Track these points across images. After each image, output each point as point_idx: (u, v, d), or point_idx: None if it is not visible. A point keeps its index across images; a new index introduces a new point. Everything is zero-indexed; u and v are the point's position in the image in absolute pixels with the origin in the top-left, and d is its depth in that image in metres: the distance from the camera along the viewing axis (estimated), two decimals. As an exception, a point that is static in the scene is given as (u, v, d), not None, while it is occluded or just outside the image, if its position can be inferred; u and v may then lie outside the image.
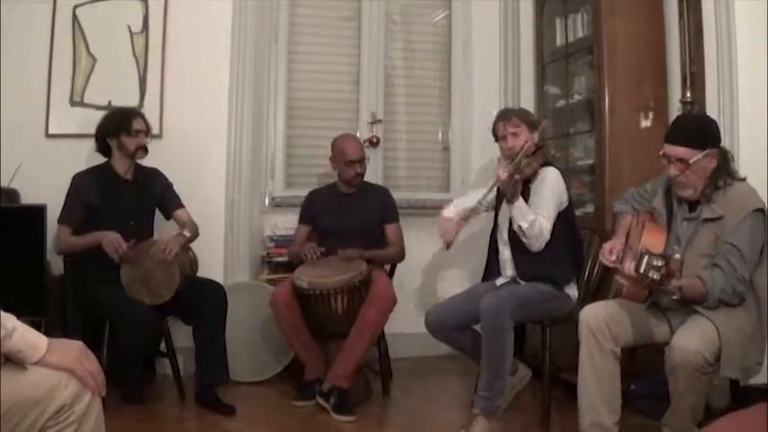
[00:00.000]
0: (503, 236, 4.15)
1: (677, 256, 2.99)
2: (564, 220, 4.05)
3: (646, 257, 2.93)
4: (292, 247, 4.87)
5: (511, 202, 3.91)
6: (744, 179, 3.33)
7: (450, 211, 4.28)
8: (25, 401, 1.89)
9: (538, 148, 4.06)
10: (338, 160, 4.84)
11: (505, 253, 4.15)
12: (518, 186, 3.88)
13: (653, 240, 3.26)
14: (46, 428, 1.92)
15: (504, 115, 4.26)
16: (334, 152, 4.89)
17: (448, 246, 4.20)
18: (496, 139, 4.27)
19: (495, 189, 4.09)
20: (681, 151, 3.25)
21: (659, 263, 2.89)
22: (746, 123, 4.11)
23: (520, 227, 3.91)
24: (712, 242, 3.23)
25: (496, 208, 4.26)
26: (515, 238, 4.00)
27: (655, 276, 2.90)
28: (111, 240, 4.06)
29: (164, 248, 4.12)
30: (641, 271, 2.93)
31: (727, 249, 3.15)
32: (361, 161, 4.84)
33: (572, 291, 4.08)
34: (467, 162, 5.93)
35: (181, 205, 4.55)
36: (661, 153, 3.32)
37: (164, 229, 4.50)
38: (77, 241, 4.22)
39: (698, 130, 3.33)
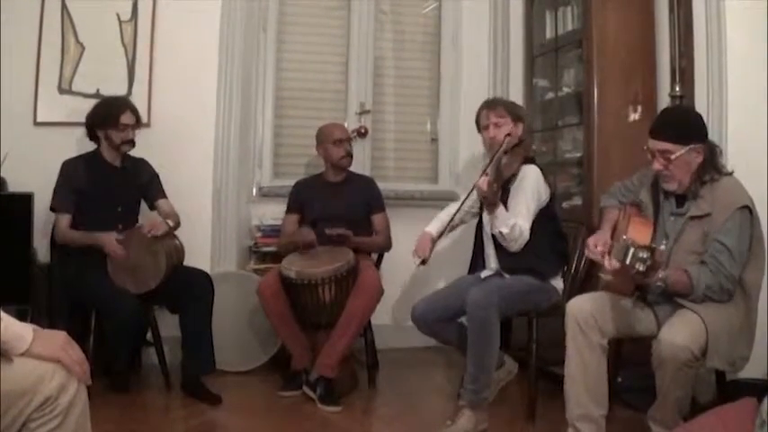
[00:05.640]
0: (487, 231, 4.14)
1: (662, 247, 2.99)
2: (545, 215, 4.05)
3: (631, 250, 2.91)
4: (282, 238, 4.86)
5: (491, 211, 3.90)
6: (731, 173, 3.32)
7: (431, 227, 4.30)
8: (10, 393, 1.87)
9: (519, 143, 4.05)
10: (325, 143, 4.86)
11: (489, 247, 4.14)
12: (497, 195, 3.86)
13: (639, 233, 3.23)
14: (30, 420, 1.91)
15: (490, 104, 4.23)
16: (319, 137, 4.90)
17: (423, 262, 4.16)
18: (479, 129, 4.24)
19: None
20: (663, 146, 3.24)
21: (645, 254, 2.88)
22: (735, 117, 4.11)
23: (500, 232, 3.90)
24: (700, 239, 3.22)
25: (481, 203, 4.24)
26: (499, 234, 4.01)
27: (640, 268, 2.88)
28: (114, 248, 4.11)
29: (149, 230, 4.13)
30: (626, 263, 2.92)
31: (715, 247, 3.14)
32: (349, 141, 4.88)
33: (557, 283, 4.09)
34: (455, 153, 5.93)
35: (164, 196, 4.56)
36: (645, 148, 3.32)
37: (148, 219, 4.47)
38: (77, 237, 4.22)
39: (681, 126, 3.31)
